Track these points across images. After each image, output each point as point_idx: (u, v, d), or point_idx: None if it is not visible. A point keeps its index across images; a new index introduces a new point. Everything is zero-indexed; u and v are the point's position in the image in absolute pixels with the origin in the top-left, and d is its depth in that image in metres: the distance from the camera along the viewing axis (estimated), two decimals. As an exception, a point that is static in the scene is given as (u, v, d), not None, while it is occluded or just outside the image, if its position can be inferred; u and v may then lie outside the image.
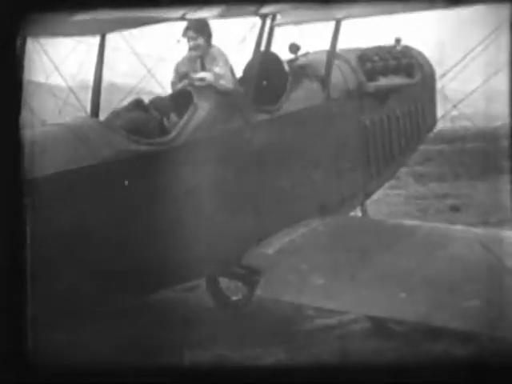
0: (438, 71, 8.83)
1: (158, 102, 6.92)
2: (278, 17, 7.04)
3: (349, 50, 8.28)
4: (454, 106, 7.36)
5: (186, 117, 6.75)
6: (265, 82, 7.43)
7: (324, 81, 7.70)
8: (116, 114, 6.77)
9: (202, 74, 7.07)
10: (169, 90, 7.37)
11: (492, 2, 5.94)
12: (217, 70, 7.02)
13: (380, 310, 6.30)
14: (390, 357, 6.55)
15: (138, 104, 6.86)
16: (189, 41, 7.24)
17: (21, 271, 5.55)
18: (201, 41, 7.21)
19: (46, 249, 5.80)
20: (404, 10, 6.58)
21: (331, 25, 7.56)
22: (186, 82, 7.16)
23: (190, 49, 7.30)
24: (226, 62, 7.13)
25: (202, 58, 7.26)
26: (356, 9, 6.66)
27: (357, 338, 7.20)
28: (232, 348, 6.73)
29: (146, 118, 6.73)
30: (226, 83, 6.98)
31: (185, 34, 7.20)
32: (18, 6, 5.62)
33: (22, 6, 5.64)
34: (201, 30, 7.18)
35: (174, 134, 6.66)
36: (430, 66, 9.00)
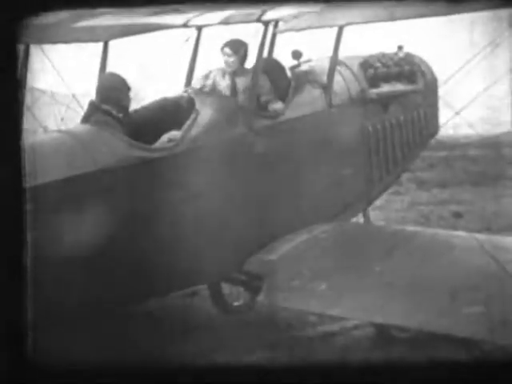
0: (441, 78, 8.84)
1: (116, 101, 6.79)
2: (281, 23, 7.06)
3: (351, 57, 8.29)
4: (457, 113, 7.35)
5: (188, 122, 6.76)
6: (267, 88, 7.47)
7: (326, 87, 7.71)
8: (84, 119, 6.73)
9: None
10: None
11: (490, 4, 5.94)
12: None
13: (382, 317, 6.30)
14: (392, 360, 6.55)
15: (95, 107, 6.73)
16: (224, 56, 7.48)
17: (21, 275, 5.57)
18: (234, 59, 7.41)
19: (47, 253, 5.82)
20: (406, 17, 6.58)
21: (334, 31, 7.58)
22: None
23: (225, 64, 7.53)
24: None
25: (232, 75, 7.45)
26: (358, 15, 6.67)
27: (359, 345, 7.19)
28: (233, 354, 6.73)
29: (105, 120, 6.64)
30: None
31: (222, 49, 7.48)
32: (20, 12, 5.64)
33: (24, 10, 5.66)
34: (236, 49, 7.44)
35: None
36: (433, 72, 9.01)
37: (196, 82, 7.63)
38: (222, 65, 7.56)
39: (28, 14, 5.73)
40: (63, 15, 7.17)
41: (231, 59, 7.45)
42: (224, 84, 7.47)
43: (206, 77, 7.61)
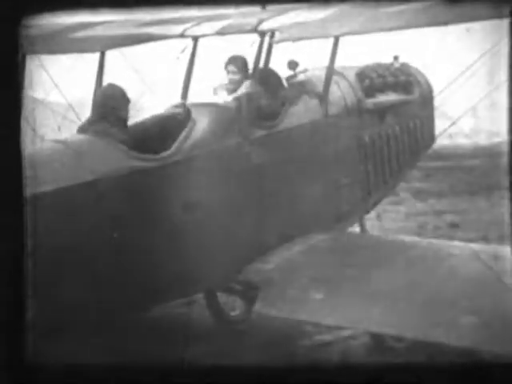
0: (436, 88, 8.86)
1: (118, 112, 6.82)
2: (277, 33, 7.08)
3: (347, 67, 8.32)
4: (453, 123, 7.38)
5: (184, 132, 6.78)
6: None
7: (322, 97, 7.73)
8: (81, 129, 6.76)
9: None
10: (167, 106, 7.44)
11: (491, 7, 5.95)
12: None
13: (378, 326, 6.30)
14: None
15: (93, 116, 6.76)
16: (228, 74, 7.56)
17: (21, 276, 5.59)
18: (237, 77, 7.49)
19: (46, 261, 5.83)
20: (403, 27, 6.60)
21: (330, 41, 7.61)
22: None
23: (229, 82, 7.59)
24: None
25: (235, 92, 7.45)
26: (355, 25, 6.69)
27: (355, 354, 7.19)
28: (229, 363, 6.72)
29: (109, 130, 6.64)
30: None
31: (225, 67, 7.58)
32: (18, 19, 5.67)
33: (22, 18, 5.69)
34: (240, 66, 7.52)
35: (172, 149, 6.68)
36: (428, 83, 9.04)
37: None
38: (223, 79, 7.60)
39: (26, 15, 5.75)
40: (60, 26, 7.20)
41: (236, 77, 7.48)
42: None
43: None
